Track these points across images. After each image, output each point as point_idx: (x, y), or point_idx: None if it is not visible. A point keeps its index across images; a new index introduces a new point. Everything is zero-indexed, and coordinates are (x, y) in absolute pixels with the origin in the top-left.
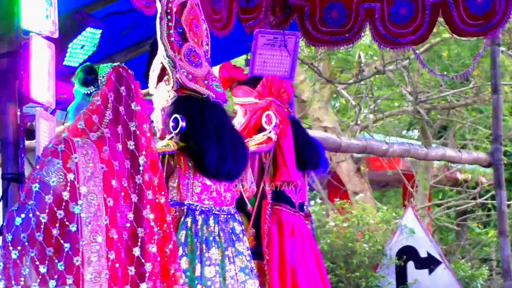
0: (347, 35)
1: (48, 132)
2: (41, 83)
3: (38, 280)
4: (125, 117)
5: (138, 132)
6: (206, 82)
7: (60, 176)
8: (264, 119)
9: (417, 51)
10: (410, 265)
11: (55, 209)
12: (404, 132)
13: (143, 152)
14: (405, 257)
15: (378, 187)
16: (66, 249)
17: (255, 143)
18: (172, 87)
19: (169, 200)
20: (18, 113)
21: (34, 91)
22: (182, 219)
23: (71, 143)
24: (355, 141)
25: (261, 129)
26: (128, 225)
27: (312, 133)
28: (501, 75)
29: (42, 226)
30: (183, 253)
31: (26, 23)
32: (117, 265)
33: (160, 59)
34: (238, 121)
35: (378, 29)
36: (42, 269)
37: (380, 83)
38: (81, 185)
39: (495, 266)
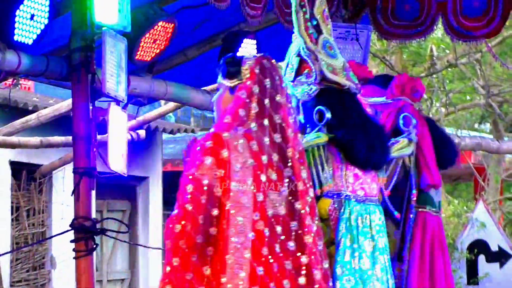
0: (419, 28)
1: (120, 127)
2: (113, 77)
3: (204, 282)
4: (270, 109)
5: (284, 124)
6: (344, 73)
7: (212, 174)
8: (401, 121)
9: (489, 44)
10: (481, 258)
11: (210, 208)
12: (476, 125)
13: (290, 144)
14: (476, 250)
15: (449, 180)
16: (221, 247)
17: (397, 148)
18: (315, 80)
19: (326, 192)
20: (91, 107)
21: (106, 86)
22: (341, 210)
23: (220, 139)
24: None
25: (396, 131)
26: (280, 219)
27: None
28: None
29: (200, 229)
30: (345, 244)
31: (99, 18)
32: (271, 260)
33: (298, 52)
34: None
35: (451, 22)
36: (206, 272)
37: (452, 77)
38: (232, 181)
39: None
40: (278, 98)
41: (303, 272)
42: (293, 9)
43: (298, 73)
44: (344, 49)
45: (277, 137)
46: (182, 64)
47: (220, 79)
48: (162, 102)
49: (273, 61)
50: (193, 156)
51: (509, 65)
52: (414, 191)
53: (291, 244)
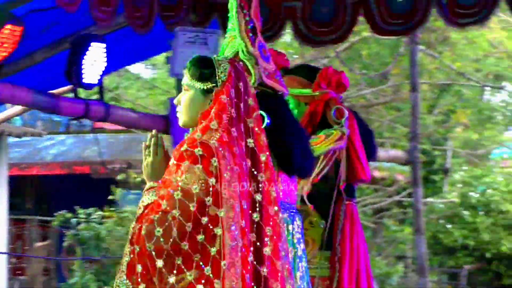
0: (268, 33)
1: None
2: None
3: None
4: (244, 114)
5: (256, 129)
6: (277, 78)
7: (202, 183)
8: (332, 113)
9: (337, 50)
10: None
11: (199, 216)
12: None
13: (263, 149)
14: None
15: None
16: (212, 253)
17: (332, 140)
18: (253, 84)
19: None
20: None
21: None
22: None
23: (209, 147)
24: None
25: (322, 123)
26: (255, 226)
27: None
28: (419, 73)
29: (187, 236)
30: None
31: None
32: (249, 267)
33: (236, 54)
34: None
35: (299, 27)
36: (189, 277)
37: None
38: (223, 189)
39: (411, 263)
40: (250, 101)
41: (278, 279)
42: (234, 10)
43: None
44: (192, 53)
45: (250, 142)
46: (30, 68)
47: (189, 80)
48: (9, 105)
49: (241, 62)
50: (179, 161)
51: (356, 71)
52: (341, 184)
53: (267, 250)
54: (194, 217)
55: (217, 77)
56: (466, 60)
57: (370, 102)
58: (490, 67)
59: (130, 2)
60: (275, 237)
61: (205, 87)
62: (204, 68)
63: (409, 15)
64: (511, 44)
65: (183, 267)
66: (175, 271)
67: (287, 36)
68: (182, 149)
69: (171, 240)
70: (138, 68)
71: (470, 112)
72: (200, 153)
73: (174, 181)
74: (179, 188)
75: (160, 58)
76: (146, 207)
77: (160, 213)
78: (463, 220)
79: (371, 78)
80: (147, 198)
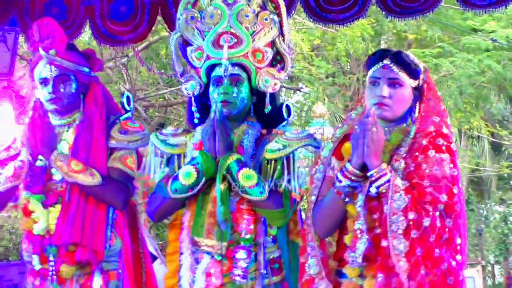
0: (68, 31)
1: None
2: None
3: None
4: None
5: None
6: None
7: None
8: (125, 100)
9: (136, 49)
10: None
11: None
12: None
13: None
14: None
15: None
16: (458, 242)
17: None
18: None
19: None
20: None
21: None
22: None
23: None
24: None
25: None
26: None
27: None
28: None
29: (460, 227)
30: None
31: None
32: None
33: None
34: None
35: (98, 26)
36: (453, 262)
37: (100, 80)
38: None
39: None
40: None
41: None
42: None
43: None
44: None
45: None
46: None
47: (404, 76)
48: None
49: None
50: (451, 155)
51: (155, 70)
52: None
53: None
54: (460, 209)
55: (420, 76)
56: None
57: (169, 101)
58: None
59: None
60: None
61: (415, 85)
62: (415, 66)
63: None
64: (306, 46)
65: (445, 255)
66: (445, 259)
67: (86, 34)
68: (445, 142)
69: (446, 229)
70: None
71: None
72: (455, 148)
73: (449, 174)
74: (456, 183)
75: None
76: (406, 192)
77: (440, 205)
78: None
79: (169, 78)
80: (400, 182)
